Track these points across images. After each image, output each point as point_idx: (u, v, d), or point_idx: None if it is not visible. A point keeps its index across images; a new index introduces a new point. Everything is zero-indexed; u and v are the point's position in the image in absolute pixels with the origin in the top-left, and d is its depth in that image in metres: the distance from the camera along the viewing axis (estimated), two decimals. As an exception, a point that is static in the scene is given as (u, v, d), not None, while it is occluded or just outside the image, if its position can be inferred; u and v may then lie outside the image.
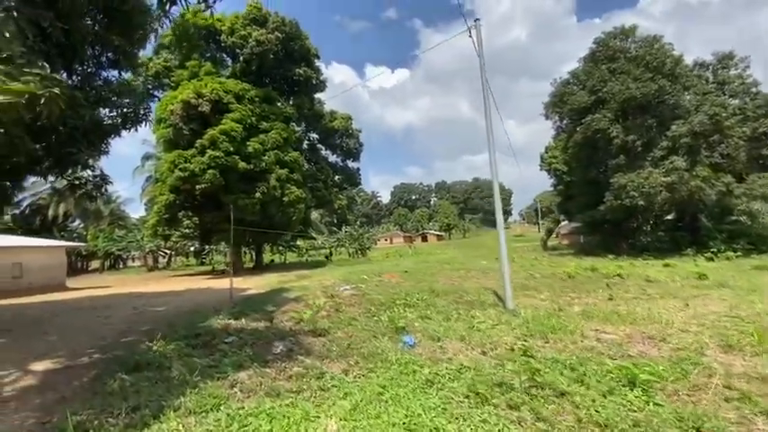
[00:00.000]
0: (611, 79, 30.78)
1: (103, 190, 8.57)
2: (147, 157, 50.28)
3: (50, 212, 41.19)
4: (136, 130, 7.49)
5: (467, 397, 4.03)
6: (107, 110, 6.66)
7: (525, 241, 76.02)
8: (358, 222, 69.42)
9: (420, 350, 5.93)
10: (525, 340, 6.09)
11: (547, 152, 72.71)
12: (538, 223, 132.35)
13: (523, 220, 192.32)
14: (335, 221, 66.57)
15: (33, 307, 14.42)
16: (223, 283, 21.33)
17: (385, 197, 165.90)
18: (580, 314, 8.44)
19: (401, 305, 9.71)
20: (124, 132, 7.15)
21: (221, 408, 3.86)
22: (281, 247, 48.31)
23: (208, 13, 7.96)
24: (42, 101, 2.88)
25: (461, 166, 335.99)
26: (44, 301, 16.71)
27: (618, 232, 34.92)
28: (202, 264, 50.69)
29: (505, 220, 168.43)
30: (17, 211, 42.30)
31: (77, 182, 8.49)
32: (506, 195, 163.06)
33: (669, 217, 36.98)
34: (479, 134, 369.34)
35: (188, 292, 16.45)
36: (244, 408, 3.84)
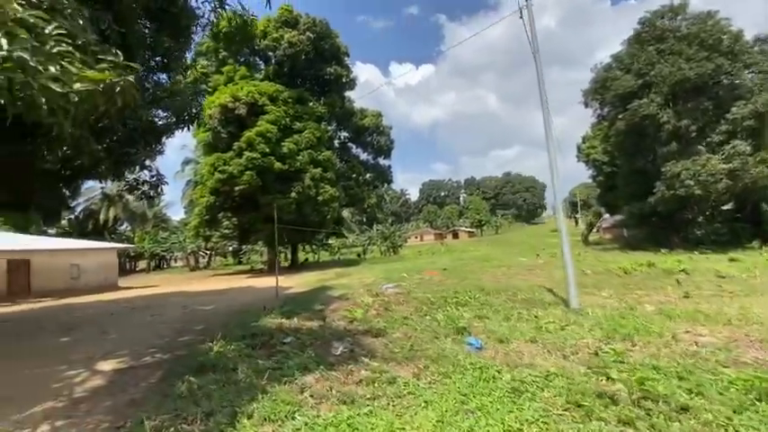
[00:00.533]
0: (660, 61, 28.73)
1: (159, 190, 8.71)
2: (186, 162, 52.22)
3: (102, 216, 43.62)
4: (188, 129, 7.53)
5: (566, 409, 3.57)
6: (160, 111, 6.67)
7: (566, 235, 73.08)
8: (389, 220, 69.14)
9: (490, 353, 5.49)
10: (608, 343, 5.51)
11: (584, 142, 69.55)
12: (575, 217, 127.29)
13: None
14: (365, 220, 66.70)
15: (91, 306, 15.08)
16: (263, 282, 21.65)
17: (413, 195, 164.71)
18: (657, 313, 7.68)
19: (453, 304, 9.26)
20: (177, 132, 7.24)
21: (296, 415, 3.61)
22: (314, 246, 48.73)
23: (255, 13, 7.89)
24: (117, 89, 2.69)
25: (490, 162, 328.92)
26: (100, 300, 17.51)
27: (669, 225, 32.64)
28: (240, 263, 52.19)
29: (539, 214, 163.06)
30: (72, 216, 45.10)
31: (135, 183, 8.67)
32: (540, 189, 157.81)
33: (727, 207, 34.20)
34: (508, 128, 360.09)
35: (232, 291, 16.71)
36: (320, 416, 3.57)
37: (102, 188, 47.07)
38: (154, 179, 8.57)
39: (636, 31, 31.72)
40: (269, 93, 27.99)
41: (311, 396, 4.03)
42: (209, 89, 30.58)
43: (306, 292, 13.01)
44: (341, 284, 14.90)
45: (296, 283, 18.25)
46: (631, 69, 30.51)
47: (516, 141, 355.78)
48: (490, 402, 3.74)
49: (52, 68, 2.32)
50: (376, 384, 4.30)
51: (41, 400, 4.56)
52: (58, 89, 2.32)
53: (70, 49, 2.49)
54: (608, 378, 4.22)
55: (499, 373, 4.53)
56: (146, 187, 8.66)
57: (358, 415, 3.53)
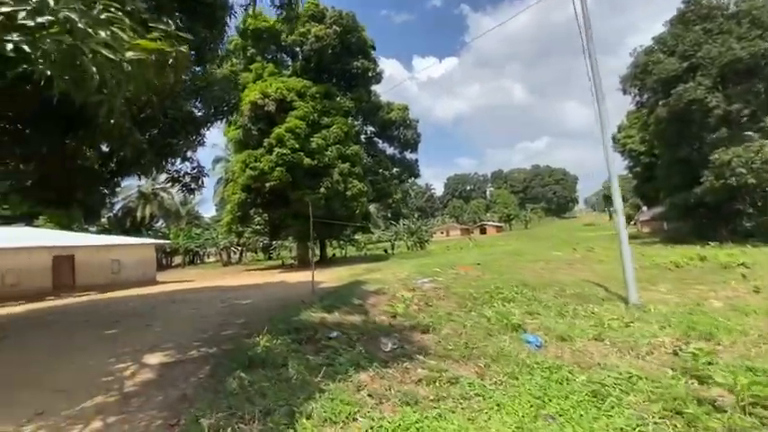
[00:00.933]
0: (708, 41, 26.81)
1: (201, 182, 8.70)
2: (217, 160, 53.49)
3: (138, 214, 45.38)
4: (227, 119, 7.43)
5: (663, 417, 3.12)
6: (199, 102, 6.55)
7: (598, 230, 70.38)
8: (416, 215, 68.50)
9: (553, 351, 5.05)
10: (687, 342, 4.95)
11: (620, 132, 66.54)
12: (610, 211, 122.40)
13: (590, 208, 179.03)
14: (390, 215, 66.42)
15: (132, 299, 15.51)
16: (295, 277, 21.76)
17: (438, 189, 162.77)
18: (729, 309, 6.97)
19: (499, 299, 8.81)
20: (215, 124, 7.16)
21: (358, 416, 3.33)
22: (341, 242, 48.76)
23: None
24: (170, 60, 2.45)
25: (517, 154, 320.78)
26: (140, 295, 18.05)
27: (716, 216, 30.57)
28: (269, 258, 53.16)
29: (571, 208, 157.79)
30: (111, 214, 47.17)
31: (177, 175, 8.70)
32: (570, 181, 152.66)
33: (781, 197, 31.68)
34: (536, 119, 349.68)
35: (266, 286, 16.80)
36: (385, 418, 3.27)
37: (138, 186, 49.00)
38: (195, 171, 8.56)
39: (680, 11, 29.75)
40: (297, 89, 28.05)
41: (370, 396, 3.75)
42: (239, 87, 31.10)
43: (340, 287, 12.83)
44: (374, 279, 14.65)
45: (328, 277, 18.17)
46: (675, 51, 28.66)
47: (544, 133, 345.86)
48: (571, 407, 3.33)
49: (102, 33, 2.09)
50: (437, 384, 3.98)
51: (92, 394, 4.50)
52: (110, 55, 2.08)
53: (120, 14, 2.26)
54: (702, 381, 3.72)
55: (572, 373, 4.10)
56: (187, 179, 8.65)
57: (426, 418, 3.21)
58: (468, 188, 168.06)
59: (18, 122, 9.62)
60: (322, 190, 27.46)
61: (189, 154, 6.07)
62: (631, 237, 43.15)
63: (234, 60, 32.75)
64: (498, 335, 5.84)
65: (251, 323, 7.93)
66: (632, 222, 50.21)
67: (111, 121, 4.54)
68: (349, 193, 28.49)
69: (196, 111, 6.87)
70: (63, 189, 12.85)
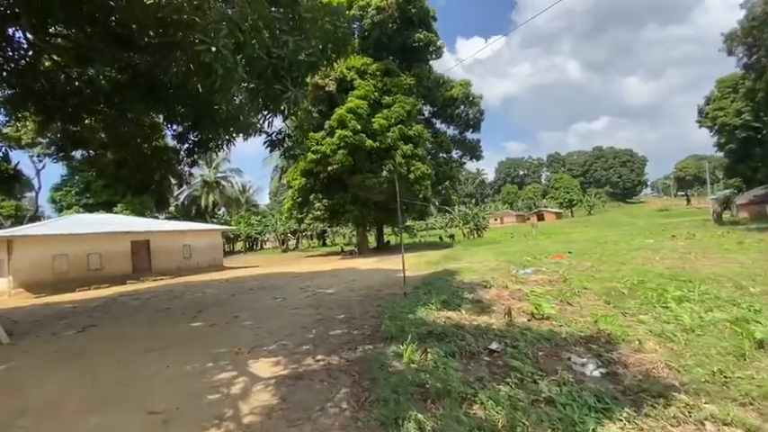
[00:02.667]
0: None
1: (302, 144, 7.47)
2: (272, 148, 54.10)
3: (203, 202, 47.04)
4: (336, 61, 6.08)
5: None
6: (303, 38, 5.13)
7: (675, 215, 63.17)
8: (473, 201, 65.49)
9: None
10: None
11: (708, 104, 58.95)
12: (688, 194, 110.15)
13: (657, 192, 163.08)
14: (438, 201, 63.98)
15: (208, 285, 15.12)
16: (361, 263, 20.70)
17: (489, 174, 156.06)
18: None
19: (654, 295, 6.75)
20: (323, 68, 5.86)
21: None
22: (394, 228, 47.30)
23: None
24: None
25: (572, 136, 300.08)
26: (213, 279, 17.84)
27: None
28: (324, 245, 53.32)
29: (639, 192, 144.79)
30: (178, 202, 49.43)
31: (278, 137, 7.54)
32: (638, 163, 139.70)
33: None
34: (592, 98, 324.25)
35: (339, 273, 15.74)
36: None
37: (201, 176, 50.88)
38: (295, 133, 7.39)
39: (818, -56, 24.41)
40: (357, 67, 26.63)
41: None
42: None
43: (434, 278, 11.29)
44: (463, 269, 12.97)
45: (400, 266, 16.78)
46: (812, -5, 23.60)
47: (603, 112, 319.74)
48: None
49: None
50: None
51: (199, 421, 3.29)
52: None
53: None
54: None
55: None
56: (288, 142, 7.52)
57: None
58: (522, 173, 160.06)
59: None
60: (384, 173, 26.04)
61: (297, 103, 4.82)
62: (732, 223, 37.65)
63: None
64: (750, 356, 3.93)
65: (355, 320, 6.61)
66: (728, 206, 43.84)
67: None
68: (412, 175, 26.82)
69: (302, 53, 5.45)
70: (140, 171, 12.43)
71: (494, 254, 19.13)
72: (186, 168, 11.13)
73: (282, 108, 5.34)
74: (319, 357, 4.61)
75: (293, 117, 6.95)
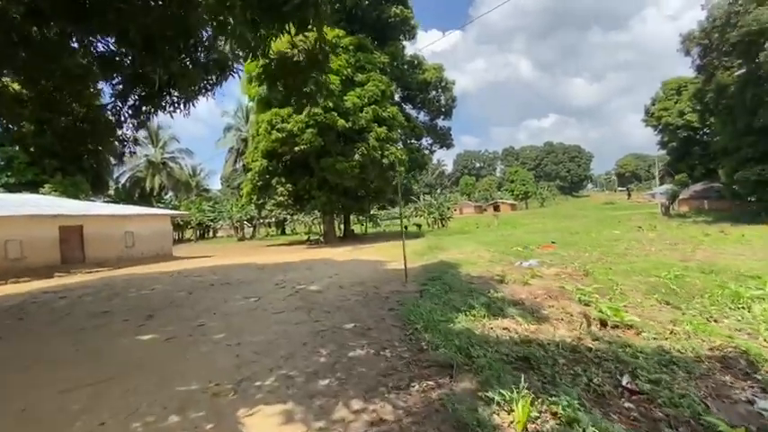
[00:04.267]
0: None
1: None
2: (228, 129, 50.05)
3: (147, 185, 42.37)
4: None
5: None
6: None
7: (622, 209, 67.11)
8: (438, 191, 65.20)
9: None
10: None
11: (654, 104, 62.57)
12: (628, 189, 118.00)
13: (598, 187, 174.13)
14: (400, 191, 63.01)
15: (156, 279, 12.71)
16: (333, 253, 18.94)
17: (448, 166, 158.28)
18: None
19: (752, 297, 5.80)
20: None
21: None
22: (360, 217, 45.69)
23: None
24: None
25: (523, 132, 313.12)
26: (161, 272, 15.30)
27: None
28: (284, 233, 50.39)
29: (585, 186, 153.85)
30: (119, 185, 44.23)
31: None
32: (585, 159, 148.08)
33: None
34: (542, 96, 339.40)
35: (315, 265, 13.95)
36: None
37: (146, 156, 45.80)
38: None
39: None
40: (328, 38, 24.31)
41: None
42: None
43: (432, 270, 9.90)
44: (456, 260, 11.74)
45: (383, 257, 15.31)
46: (770, -1, 24.64)
47: (552, 110, 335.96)
48: None
49: None
50: None
51: None
52: None
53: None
54: None
55: None
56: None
57: None
58: (478, 165, 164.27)
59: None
60: (356, 157, 24.26)
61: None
62: (678, 216, 39.90)
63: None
64: None
65: (371, 331, 5.03)
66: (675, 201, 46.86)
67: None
68: (385, 161, 25.27)
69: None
70: (68, 138, 9.80)
71: (476, 244, 18.21)
72: (129, 133, 8.78)
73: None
74: (357, 406, 2.99)
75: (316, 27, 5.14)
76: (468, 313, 5.22)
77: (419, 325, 4.89)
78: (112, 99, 8.57)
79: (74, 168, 33.08)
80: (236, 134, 48.97)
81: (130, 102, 7.92)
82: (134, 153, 8.65)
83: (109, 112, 9.07)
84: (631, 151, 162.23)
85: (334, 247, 24.62)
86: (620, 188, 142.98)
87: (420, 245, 17.79)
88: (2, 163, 31.18)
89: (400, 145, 30.15)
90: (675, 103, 56.81)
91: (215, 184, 65.10)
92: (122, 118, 8.49)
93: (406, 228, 46.18)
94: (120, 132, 8.88)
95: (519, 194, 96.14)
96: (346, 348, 4.43)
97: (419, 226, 42.07)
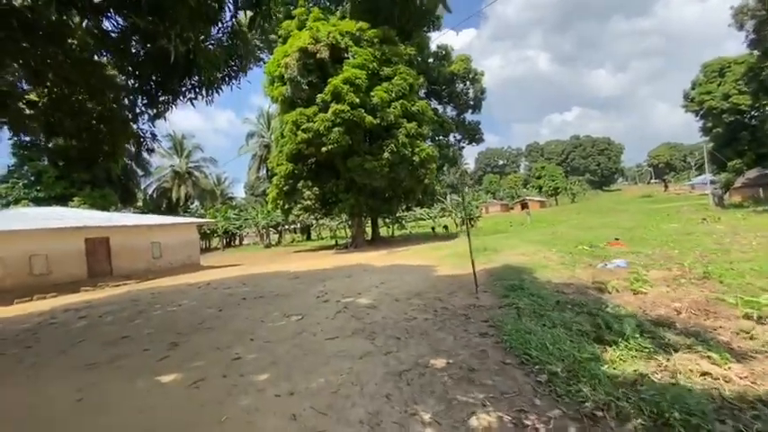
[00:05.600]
0: None
1: None
2: (250, 135, 49.79)
3: (174, 195, 42.37)
4: None
5: None
6: None
7: (664, 201, 62.98)
8: (467, 189, 62.96)
9: None
10: None
11: (694, 88, 58.63)
12: (665, 180, 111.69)
13: (629, 180, 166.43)
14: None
15: (183, 292, 11.62)
16: (368, 258, 17.52)
17: (470, 165, 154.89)
18: None
19: None
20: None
21: None
22: (387, 219, 44.08)
23: None
24: None
25: (546, 128, 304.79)
26: (189, 284, 14.27)
27: None
28: (309, 239, 49.49)
29: (614, 180, 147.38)
30: (147, 195, 44.53)
31: None
32: (615, 152, 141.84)
33: None
34: (564, 89, 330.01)
35: (354, 272, 12.55)
36: None
37: (171, 166, 45.98)
38: None
39: None
40: (352, 31, 23.13)
41: None
42: (279, 38, 26.44)
43: (504, 276, 8.29)
44: (523, 264, 10.08)
45: (425, 261, 13.78)
46: None
47: (575, 103, 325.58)
48: None
49: None
50: None
51: None
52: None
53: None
54: None
55: None
56: None
57: None
58: (501, 162, 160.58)
59: None
60: (386, 155, 22.83)
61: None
62: (734, 206, 36.56)
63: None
64: None
65: (478, 373, 3.49)
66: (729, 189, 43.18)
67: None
68: (416, 158, 23.74)
69: None
70: (81, 137, 8.79)
71: (526, 243, 16.41)
72: (147, 128, 7.63)
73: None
74: None
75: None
76: (617, 344, 3.64)
77: (553, 365, 3.34)
78: (126, 87, 7.45)
79: (102, 181, 33.18)
80: (258, 141, 48.62)
81: (146, 89, 6.74)
82: (152, 150, 7.55)
83: (125, 108, 7.99)
84: (663, 141, 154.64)
85: (364, 252, 23.25)
86: (653, 180, 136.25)
87: (461, 246, 16.10)
88: (32, 178, 31.50)
89: (429, 142, 28.62)
90: (719, 85, 53.06)
91: (239, 193, 65.23)
92: (138, 110, 7.35)
93: (433, 229, 44.52)
94: (136, 127, 7.75)
95: (548, 191, 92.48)
96: (457, 408, 2.92)
97: (446, 227, 40.21)
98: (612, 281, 6.92)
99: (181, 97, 6.85)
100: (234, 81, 8.16)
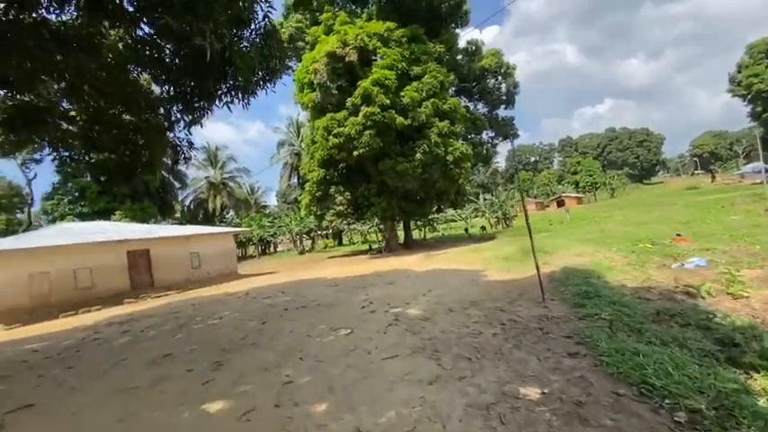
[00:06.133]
0: None
1: None
2: (281, 144, 50.53)
3: (210, 205, 43.51)
4: None
5: None
6: None
7: (714, 192, 58.47)
8: (500, 189, 61.14)
9: None
10: None
11: (740, 71, 54.51)
12: (710, 171, 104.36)
13: (669, 172, 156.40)
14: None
15: (225, 304, 11.42)
16: (406, 263, 16.89)
17: (500, 163, 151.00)
18: None
19: None
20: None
21: None
22: (418, 222, 43.13)
23: None
24: None
25: (578, 121, 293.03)
26: (228, 293, 14.17)
27: None
28: (341, 244, 49.43)
29: (656, 172, 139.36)
30: (184, 207, 46.02)
31: None
32: (655, 143, 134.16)
33: None
34: (594, 81, 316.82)
35: (397, 278, 11.95)
36: None
37: (206, 177, 47.34)
38: None
39: None
40: (379, 32, 22.70)
41: None
42: (307, 44, 26.48)
43: (572, 280, 7.44)
44: (583, 265, 9.13)
45: (468, 265, 12.98)
46: None
47: (607, 95, 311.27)
48: None
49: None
50: None
51: None
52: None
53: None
54: None
55: None
56: None
57: None
58: (533, 159, 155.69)
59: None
60: (418, 156, 22.15)
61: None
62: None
63: (298, 17, 28.30)
64: None
65: (587, 406, 2.76)
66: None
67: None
68: (450, 157, 22.90)
69: None
70: (118, 149, 8.73)
71: (577, 242, 15.24)
72: (183, 135, 7.39)
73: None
74: None
75: None
76: (765, 368, 2.83)
77: (691, 399, 2.57)
78: (160, 98, 7.24)
79: (141, 194, 34.45)
80: (288, 149, 49.24)
81: (181, 95, 6.47)
82: (189, 159, 7.31)
83: (160, 118, 7.82)
84: (705, 129, 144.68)
85: (400, 256, 22.62)
86: (698, 171, 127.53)
87: (507, 248, 15.16)
88: (76, 194, 33.08)
89: (461, 140, 27.69)
90: (767, 67, 49.09)
91: (271, 201, 66.44)
92: (174, 117, 7.12)
93: (466, 230, 43.25)
94: (172, 136, 7.54)
95: (585, 186, 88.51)
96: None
97: (483, 228, 38.90)
98: (706, 283, 5.94)
99: (217, 102, 6.53)
100: (269, 84, 7.83)
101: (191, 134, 7.33)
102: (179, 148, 7.41)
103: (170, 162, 7.71)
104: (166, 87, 6.42)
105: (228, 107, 6.42)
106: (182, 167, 43.50)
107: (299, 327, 6.89)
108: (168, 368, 5.52)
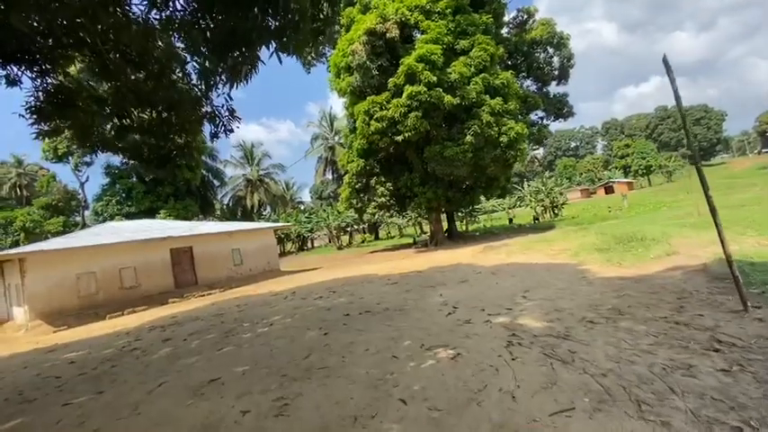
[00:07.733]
0: None
1: None
2: (315, 138, 49.71)
3: (248, 202, 43.42)
4: None
5: None
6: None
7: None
8: (543, 177, 57.34)
9: None
10: None
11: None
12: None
13: (730, 152, 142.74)
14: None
15: (272, 306, 10.13)
16: (465, 256, 15.05)
17: (539, 150, 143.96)
18: None
19: None
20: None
21: None
22: (459, 213, 40.65)
23: None
24: None
25: (620, 103, 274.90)
26: (273, 292, 12.97)
27: None
28: (377, 238, 48.03)
29: (715, 153, 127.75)
30: (224, 205, 46.31)
31: None
32: (715, 120, 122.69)
33: None
34: (639, 59, 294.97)
35: (470, 275, 10.15)
36: None
37: (244, 175, 47.41)
38: None
39: None
40: (421, 5, 20.74)
41: None
42: (343, 26, 24.93)
43: (748, 282, 5.38)
44: (742, 259, 6.88)
45: (542, 257, 10.96)
46: None
47: (652, 72, 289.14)
48: None
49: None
50: None
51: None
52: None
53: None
54: None
55: None
56: None
57: None
58: (574, 144, 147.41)
59: None
60: (468, 138, 20.09)
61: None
62: None
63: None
64: None
65: None
66: None
67: None
68: (504, 138, 20.64)
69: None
70: (151, 132, 7.52)
71: (680, 228, 12.75)
72: (222, 101, 5.97)
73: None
74: None
75: None
76: None
77: None
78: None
79: (183, 193, 34.57)
80: (322, 143, 48.33)
81: (214, 38, 5.00)
82: (231, 131, 5.92)
83: (195, 86, 6.44)
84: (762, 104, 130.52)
85: (449, 249, 20.75)
86: (764, 150, 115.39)
87: (589, 237, 12.89)
88: (123, 194, 33.68)
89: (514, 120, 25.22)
90: None
91: (305, 197, 66.19)
92: (212, 81, 5.69)
93: (510, 221, 40.47)
94: (208, 109, 6.13)
95: (637, 170, 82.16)
96: None
97: (536, 219, 36.12)
98: None
99: (257, 49, 4.99)
100: (320, 37, 6.28)
101: (231, 99, 5.88)
102: (218, 119, 6.02)
103: (209, 137, 6.35)
104: (203, 24, 4.92)
105: (278, 55, 4.88)
106: (219, 166, 43.66)
107: (375, 341, 5.29)
108: (216, 402, 4.09)
